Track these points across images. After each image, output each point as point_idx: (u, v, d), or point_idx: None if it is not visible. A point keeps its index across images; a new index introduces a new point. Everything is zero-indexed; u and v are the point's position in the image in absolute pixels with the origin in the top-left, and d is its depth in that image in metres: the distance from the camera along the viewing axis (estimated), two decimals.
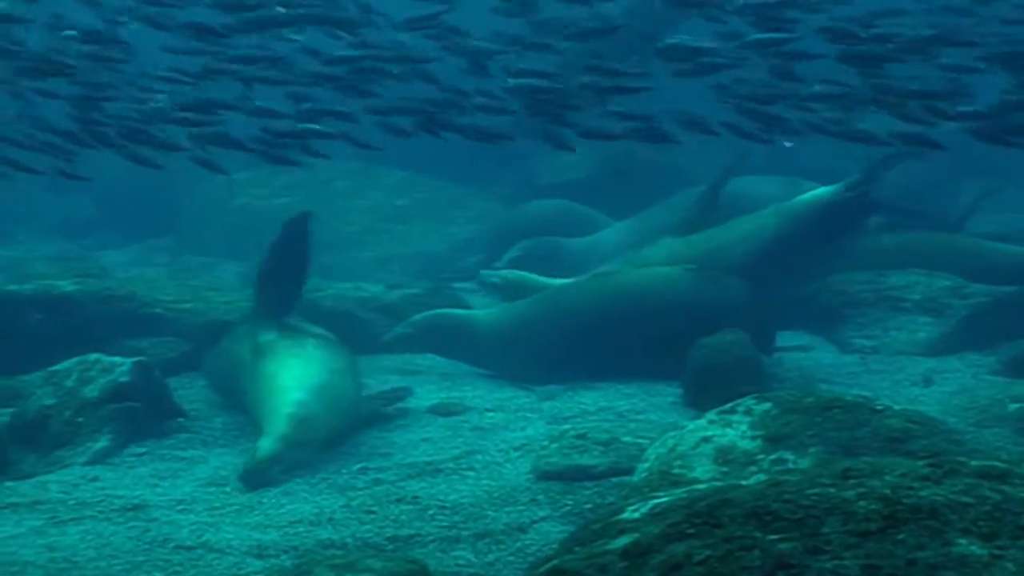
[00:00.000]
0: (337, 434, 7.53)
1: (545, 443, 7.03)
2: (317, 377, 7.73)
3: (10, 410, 8.12)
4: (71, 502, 6.67)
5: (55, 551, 5.89)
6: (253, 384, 7.89)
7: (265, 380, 7.79)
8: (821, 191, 10.02)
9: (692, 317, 8.60)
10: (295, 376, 7.70)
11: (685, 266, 9.18)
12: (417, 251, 13.39)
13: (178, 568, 5.66)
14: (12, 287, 9.76)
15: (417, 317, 9.50)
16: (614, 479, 6.41)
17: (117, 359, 8.08)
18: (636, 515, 3.22)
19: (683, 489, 3.48)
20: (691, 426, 5.59)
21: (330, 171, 15.98)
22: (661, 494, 3.39)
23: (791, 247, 9.67)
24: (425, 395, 8.82)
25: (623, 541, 3.07)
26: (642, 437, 6.73)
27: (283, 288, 8.53)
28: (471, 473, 6.93)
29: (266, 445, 7.09)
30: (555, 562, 3.14)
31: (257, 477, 6.93)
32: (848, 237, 10.02)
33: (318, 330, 8.51)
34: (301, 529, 6.18)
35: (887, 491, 2.98)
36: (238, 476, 6.98)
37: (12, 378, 8.68)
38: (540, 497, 6.35)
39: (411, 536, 5.97)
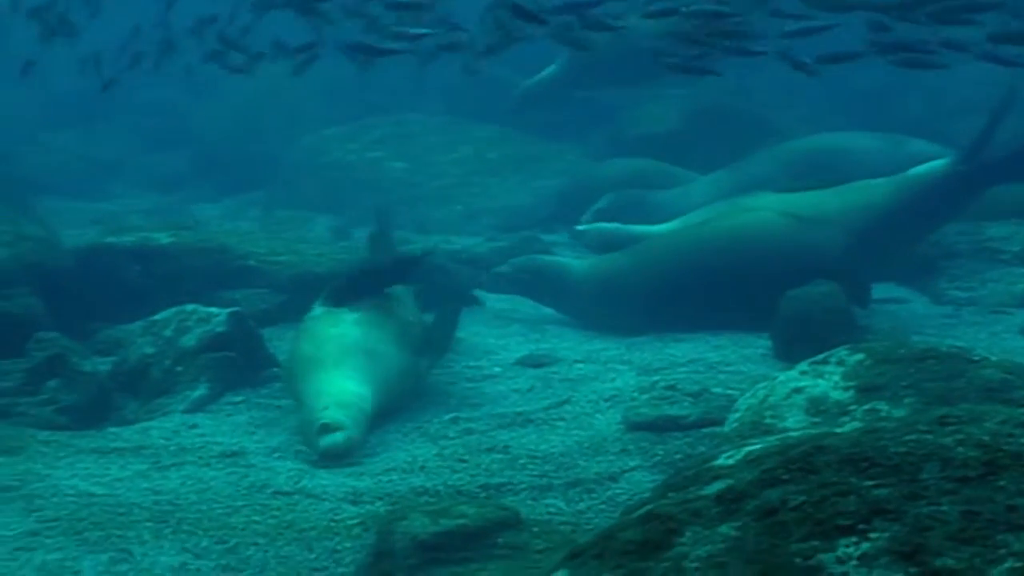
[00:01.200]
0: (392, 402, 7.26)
1: (635, 394, 7.04)
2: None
3: (112, 359, 8.34)
4: (172, 448, 6.83)
5: (159, 494, 6.05)
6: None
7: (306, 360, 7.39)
8: (936, 165, 9.39)
9: (788, 266, 8.49)
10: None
11: (783, 212, 9.03)
12: (506, 204, 13.41)
13: (276, 512, 5.78)
14: (111, 239, 9.94)
15: (518, 259, 9.65)
16: (704, 430, 6.42)
17: (213, 309, 8.23)
18: (730, 462, 3.24)
19: (776, 437, 3.49)
20: (782, 377, 5.57)
21: (419, 125, 16.10)
22: (755, 441, 3.40)
23: (900, 222, 9.13)
24: (514, 347, 8.89)
25: (717, 487, 3.09)
26: (732, 388, 6.73)
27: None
28: (561, 423, 6.98)
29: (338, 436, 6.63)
30: (649, 507, 3.17)
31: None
32: (958, 212, 9.49)
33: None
34: (394, 477, 6.28)
35: (986, 438, 2.96)
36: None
37: (114, 327, 8.88)
38: (630, 447, 6.38)
39: (503, 484, 6.03)
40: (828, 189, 9.22)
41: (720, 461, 3.27)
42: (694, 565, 2.78)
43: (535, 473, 6.16)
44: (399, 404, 7.30)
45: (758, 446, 3.28)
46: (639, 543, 2.96)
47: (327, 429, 6.58)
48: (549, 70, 14.31)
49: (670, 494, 3.23)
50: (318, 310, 7.77)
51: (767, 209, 9.15)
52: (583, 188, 12.98)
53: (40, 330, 8.04)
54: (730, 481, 3.07)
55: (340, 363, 7.12)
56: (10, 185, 13.68)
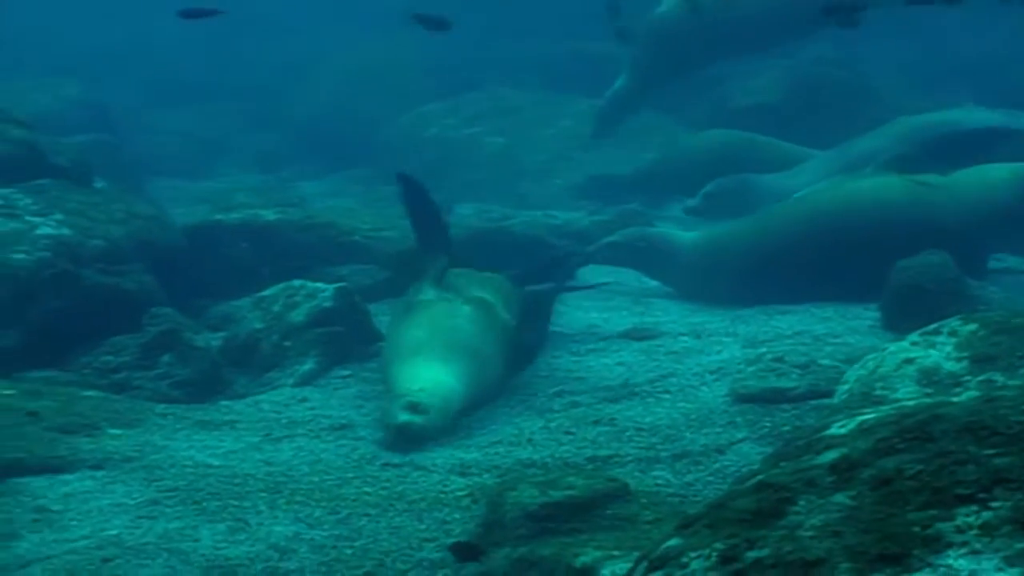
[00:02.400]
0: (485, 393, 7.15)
1: (741, 366, 7.01)
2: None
3: (222, 334, 8.51)
4: (283, 420, 6.96)
5: (272, 465, 6.18)
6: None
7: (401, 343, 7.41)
8: None
9: (904, 235, 8.36)
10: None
11: (899, 178, 8.87)
12: (609, 177, 13.36)
13: (386, 484, 5.87)
14: (220, 217, 10.11)
15: (628, 230, 9.68)
16: (812, 402, 6.37)
17: (320, 285, 8.35)
18: (843, 431, 3.22)
19: (890, 406, 3.46)
20: (893, 348, 5.50)
21: (518, 100, 16.11)
22: (868, 411, 3.37)
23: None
24: (618, 320, 8.89)
25: (831, 456, 3.07)
26: (840, 360, 6.66)
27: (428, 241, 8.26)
28: (667, 396, 6.97)
29: (417, 419, 6.59)
30: (761, 477, 3.17)
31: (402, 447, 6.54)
32: None
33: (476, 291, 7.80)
34: (501, 449, 6.33)
35: None
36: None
37: (223, 303, 9.06)
38: (737, 419, 6.36)
39: (609, 456, 6.05)
40: (940, 175, 8.99)
41: (832, 431, 3.25)
42: (809, 534, 2.77)
43: (642, 445, 6.17)
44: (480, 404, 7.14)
45: (872, 415, 3.26)
46: (752, 512, 2.96)
47: (414, 408, 6.55)
48: (617, 83, 14.07)
49: (782, 463, 3.22)
50: (430, 293, 7.66)
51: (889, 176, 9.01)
52: (679, 160, 12.89)
53: (154, 306, 8.22)
54: (844, 450, 3.05)
55: (448, 357, 7.06)
56: (121, 165, 13.99)
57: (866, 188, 9.04)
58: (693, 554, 2.91)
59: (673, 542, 3.06)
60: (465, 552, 4.79)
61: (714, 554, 2.86)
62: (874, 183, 9.05)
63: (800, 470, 3.05)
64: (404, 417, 6.51)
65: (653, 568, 2.98)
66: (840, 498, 2.86)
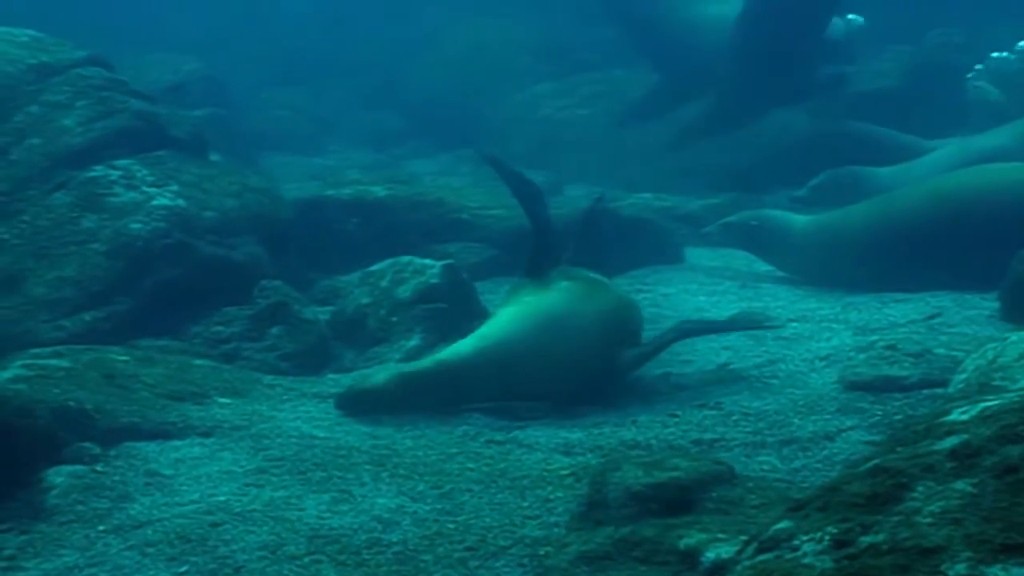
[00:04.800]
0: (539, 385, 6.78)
1: (852, 353, 6.88)
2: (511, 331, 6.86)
3: (330, 308, 8.59)
4: None
5: (377, 439, 6.21)
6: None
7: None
8: None
9: None
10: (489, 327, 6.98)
11: None
12: (719, 162, 13.18)
13: (489, 460, 5.87)
14: (331, 192, 10.22)
15: (744, 212, 9.60)
16: (925, 391, 6.22)
17: (428, 261, 8.38)
18: (964, 417, 3.12)
19: (1015, 393, 3.35)
20: (1014, 337, 5.34)
21: (630, 82, 15.97)
22: (991, 398, 3.26)
23: None
24: (726, 305, 8.80)
25: (951, 442, 2.98)
26: (956, 349, 6.49)
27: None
28: (775, 381, 6.87)
29: (378, 378, 6.72)
30: (876, 461, 3.08)
31: (347, 403, 6.67)
32: None
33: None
34: (605, 429, 6.29)
35: None
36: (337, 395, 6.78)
37: (332, 278, 9.15)
38: (847, 407, 6.23)
39: (715, 440, 5.98)
40: None
41: (953, 416, 3.16)
42: (927, 520, 2.69)
43: (748, 430, 6.08)
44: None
45: (995, 402, 3.15)
46: (867, 496, 2.89)
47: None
48: (699, 107, 13.74)
49: (898, 448, 3.13)
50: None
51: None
52: (793, 149, 12.67)
53: (264, 279, 8.33)
54: (965, 436, 2.96)
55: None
56: (236, 139, 14.20)
57: (993, 172, 8.80)
58: (804, 537, 2.85)
59: (783, 524, 3.00)
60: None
61: (827, 538, 2.79)
62: (1002, 167, 8.80)
63: (918, 455, 2.96)
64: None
65: (763, 550, 2.92)
66: (961, 485, 2.77)
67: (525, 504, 5.32)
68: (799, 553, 2.82)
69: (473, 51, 19.02)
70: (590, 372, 6.80)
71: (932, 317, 7.74)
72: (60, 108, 9.19)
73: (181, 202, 8.57)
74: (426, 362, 6.84)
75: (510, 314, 6.94)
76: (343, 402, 6.70)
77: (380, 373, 6.85)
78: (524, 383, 6.71)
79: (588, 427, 6.36)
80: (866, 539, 2.71)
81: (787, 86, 12.40)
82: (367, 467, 5.77)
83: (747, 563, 2.96)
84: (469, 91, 18.04)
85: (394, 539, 4.96)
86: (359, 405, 6.63)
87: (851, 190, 10.77)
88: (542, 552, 4.78)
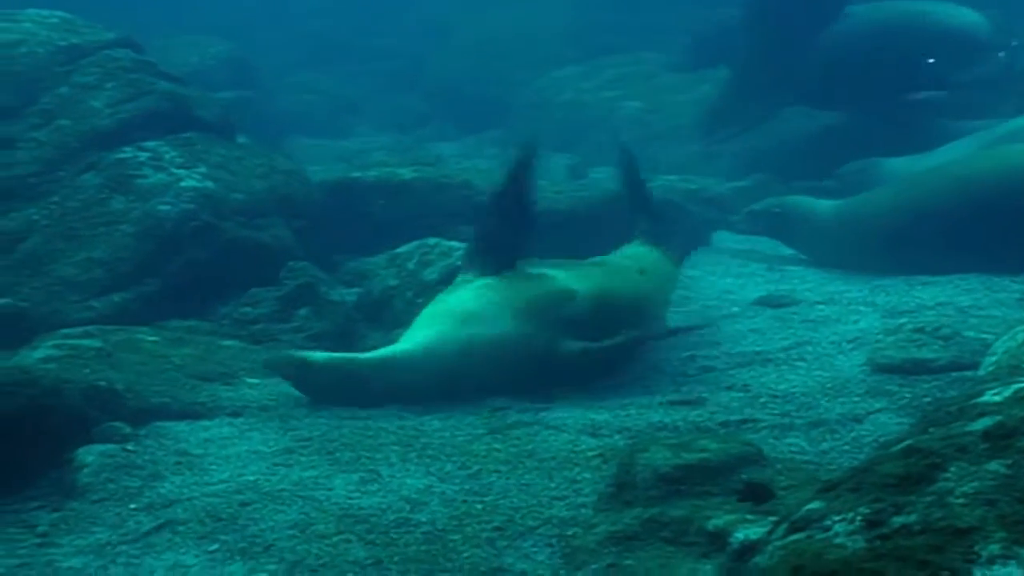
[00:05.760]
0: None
1: (880, 336, 6.86)
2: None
3: (357, 289, 8.61)
4: None
5: (404, 420, 6.23)
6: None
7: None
8: None
9: None
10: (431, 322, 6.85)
11: None
12: (747, 146, 13.13)
13: (516, 441, 5.88)
14: (357, 174, 10.22)
15: (768, 199, 9.58)
16: (954, 374, 6.21)
17: (454, 243, 8.38)
18: (998, 398, 3.11)
19: None
20: None
21: (657, 65, 15.94)
22: (1023, 379, 3.25)
23: None
24: (753, 287, 8.79)
25: (985, 423, 2.97)
26: (986, 332, 6.48)
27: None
28: (802, 364, 6.86)
29: (320, 354, 6.69)
30: (909, 442, 3.08)
31: (274, 366, 6.66)
32: None
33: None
34: (632, 411, 6.29)
35: None
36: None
37: (358, 260, 9.16)
38: (875, 389, 6.22)
39: (742, 422, 5.97)
40: None
41: (986, 398, 3.15)
42: (960, 501, 2.69)
43: (776, 412, 6.08)
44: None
45: None
46: (899, 477, 2.88)
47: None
48: (716, 94, 13.64)
49: (931, 429, 3.13)
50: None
51: None
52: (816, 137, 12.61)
53: (291, 260, 8.36)
54: (999, 417, 2.95)
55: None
56: (262, 122, 14.24)
57: (1020, 154, 8.74)
58: (836, 517, 2.85)
59: (815, 505, 3.00)
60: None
61: (858, 518, 2.79)
62: None
63: (951, 436, 2.96)
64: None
65: (794, 530, 2.92)
66: (994, 466, 2.76)
67: (552, 485, 5.33)
68: (831, 533, 2.82)
69: (497, 34, 19.03)
70: (524, 366, 6.66)
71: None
72: (89, 89, 9.23)
73: (209, 184, 8.60)
74: (364, 356, 6.72)
75: (432, 313, 6.88)
76: (273, 361, 6.67)
77: (322, 353, 6.76)
78: (456, 382, 6.58)
79: (615, 409, 6.36)
80: (898, 519, 2.71)
81: (799, 74, 12.31)
82: (395, 447, 5.80)
83: (778, 543, 2.96)
84: (493, 74, 18.05)
85: (422, 519, 4.98)
86: (285, 370, 6.56)
87: (871, 178, 10.70)
88: (570, 532, 4.79)
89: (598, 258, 7.93)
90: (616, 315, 7.05)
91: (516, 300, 6.79)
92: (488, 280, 6.91)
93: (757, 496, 4.55)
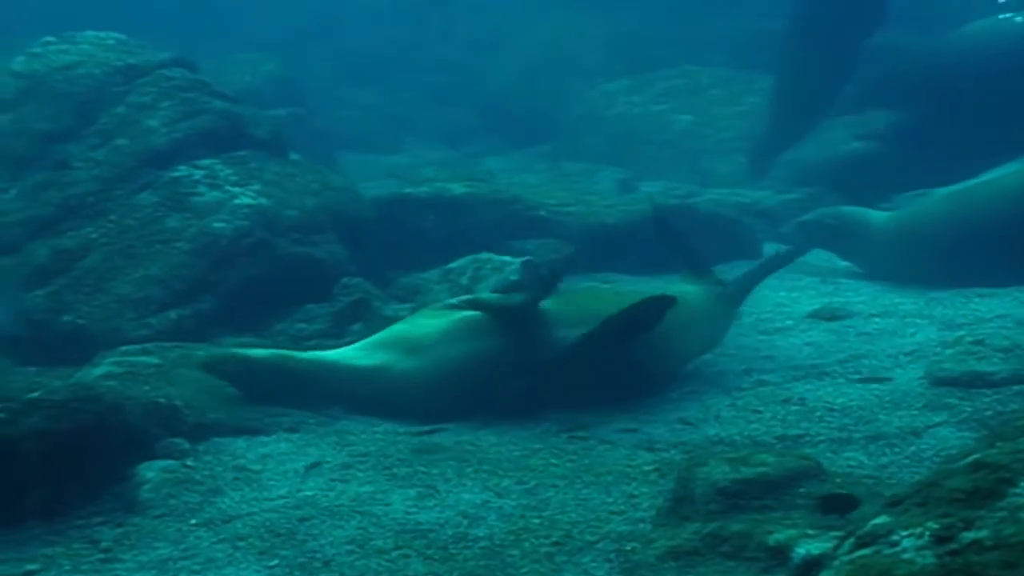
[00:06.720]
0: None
1: (938, 349, 6.81)
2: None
3: (410, 305, 8.62)
4: None
5: (460, 435, 6.23)
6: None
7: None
8: None
9: None
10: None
11: None
12: (795, 158, 13.08)
13: (573, 456, 5.88)
14: (409, 190, 10.27)
15: (820, 209, 9.53)
16: (1016, 387, 6.14)
17: (507, 258, 8.42)
18: None
19: None
20: None
21: (706, 78, 15.93)
22: None
23: None
24: (806, 300, 8.73)
25: None
26: None
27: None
28: (858, 377, 6.81)
29: (260, 352, 6.77)
30: (976, 456, 3.05)
31: (216, 364, 6.65)
32: None
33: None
34: (688, 426, 6.27)
35: None
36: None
37: (411, 275, 9.19)
38: (934, 403, 6.16)
39: (799, 436, 5.94)
40: None
41: None
42: None
43: (833, 426, 6.04)
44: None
45: None
46: (968, 492, 2.86)
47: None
48: (760, 129, 13.55)
49: (998, 444, 3.10)
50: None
51: None
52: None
53: (345, 276, 8.40)
54: None
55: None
56: (313, 138, 14.33)
57: None
58: (904, 532, 2.83)
59: (881, 520, 2.98)
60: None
61: (927, 533, 2.77)
62: None
63: (1020, 451, 2.93)
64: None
65: (861, 545, 2.90)
66: None
67: (610, 499, 5.32)
68: (899, 548, 2.80)
69: (546, 48, 19.09)
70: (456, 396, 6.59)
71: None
72: (145, 109, 9.35)
73: (263, 201, 8.67)
74: (305, 356, 6.78)
75: (393, 333, 6.86)
76: (212, 363, 6.66)
77: (264, 351, 6.81)
78: (393, 401, 6.58)
79: (671, 423, 6.35)
80: (968, 535, 2.69)
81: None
82: (451, 463, 5.81)
83: (845, 558, 2.94)
84: (542, 88, 18.10)
85: (480, 534, 4.99)
86: (225, 368, 6.59)
87: None
88: (628, 547, 4.78)
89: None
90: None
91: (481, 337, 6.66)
92: (467, 316, 6.77)
93: (840, 507, 4.51)
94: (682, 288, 7.46)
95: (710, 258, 8.51)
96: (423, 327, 6.81)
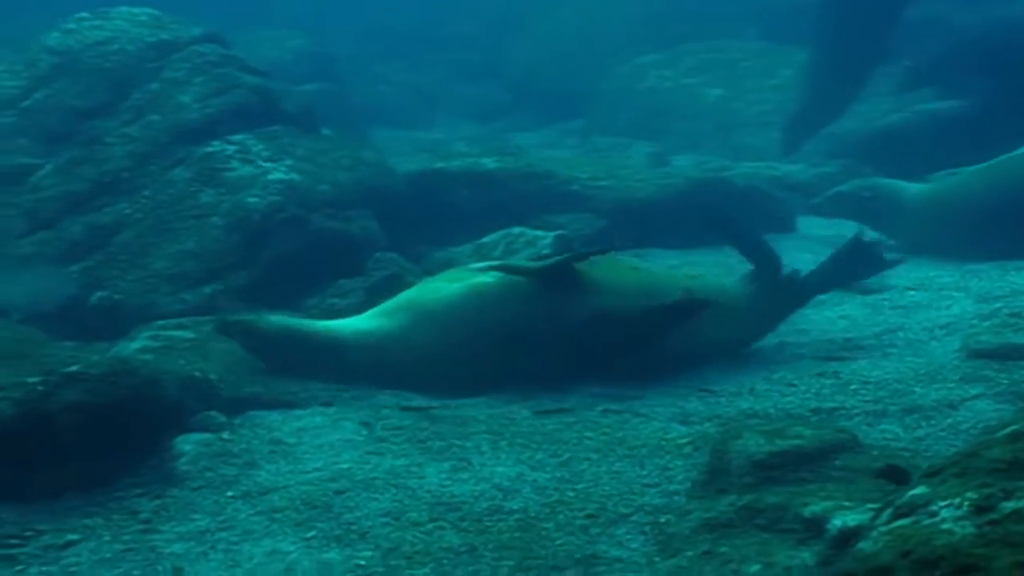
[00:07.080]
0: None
1: (974, 321, 6.78)
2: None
3: None
4: None
5: (493, 408, 6.25)
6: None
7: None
8: None
9: None
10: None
11: None
12: (830, 131, 12.99)
13: (607, 429, 5.88)
14: (441, 165, 10.26)
15: (855, 181, 9.48)
16: None
17: (539, 232, 8.42)
18: None
19: None
20: None
21: (738, 52, 15.84)
22: None
23: None
24: None
25: None
26: None
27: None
28: (894, 350, 6.78)
29: (273, 319, 6.76)
30: (1016, 427, 3.04)
31: (225, 326, 6.68)
32: None
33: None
34: (722, 399, 6.27)
35: None
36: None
37: (444, 249, 9.20)
38: (971, 375, 6.13)
39: (835, 409, 5.93)
40: None
41: None
42: None
43: (868, 399, 6.02)
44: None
45: None
46: (1008, 462, 2.85)
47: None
48: (795, 103, 13.37)
49: None
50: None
51: None
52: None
53: (378, 251, 8.41)
54: None
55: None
56: (344, 114, 14.35)
57: None
58: (942, 503, 2.82)
59: (920, 490, 2.97)
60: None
61: (966, 503, 2.76)
62: None
63: None
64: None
65: (899, 515, 2.90)
66: None
67: (644, 472, 5.32)
68: (938, 519, 2.79)
69: (575, 23, 19.02)
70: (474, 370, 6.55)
71: None
72: (178, 85, 9.38)
73: (296, 176, 8.68)
74: (317, 324, 6.76)
75: (407, 299, 6.81)
76: (225, 326, 6.68)
77: (278, 318, 6.81)
78: (403, 373, 6.55)
79: (705, 396, 6.34)
80: (1008, 504, 2.68)
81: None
82: (485, 436, 5.82)
83: (883, 528, 2.94)
84: (572, 63, 18.04)
85: (515, 507, 5.00)
86: (237, 334, 6.61)
87: None
88: (663, 520, 4.78)
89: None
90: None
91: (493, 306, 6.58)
92: (488, 279, 6.67)
93: (897, 478, 4.50)
94: (704, 282, 7.17)
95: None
96: (435, 291, 6.72)
